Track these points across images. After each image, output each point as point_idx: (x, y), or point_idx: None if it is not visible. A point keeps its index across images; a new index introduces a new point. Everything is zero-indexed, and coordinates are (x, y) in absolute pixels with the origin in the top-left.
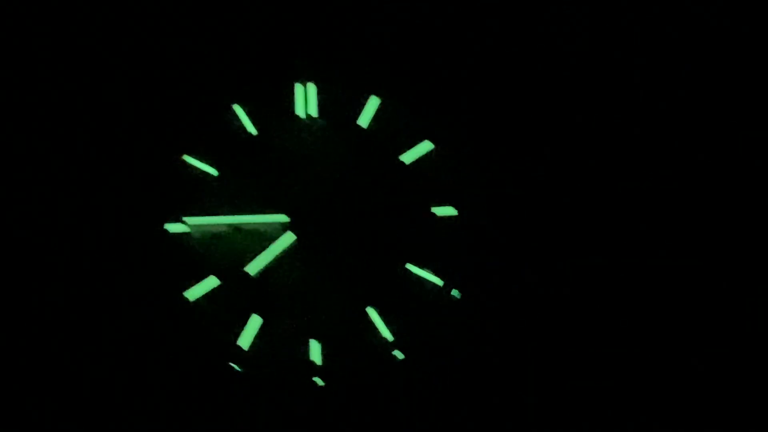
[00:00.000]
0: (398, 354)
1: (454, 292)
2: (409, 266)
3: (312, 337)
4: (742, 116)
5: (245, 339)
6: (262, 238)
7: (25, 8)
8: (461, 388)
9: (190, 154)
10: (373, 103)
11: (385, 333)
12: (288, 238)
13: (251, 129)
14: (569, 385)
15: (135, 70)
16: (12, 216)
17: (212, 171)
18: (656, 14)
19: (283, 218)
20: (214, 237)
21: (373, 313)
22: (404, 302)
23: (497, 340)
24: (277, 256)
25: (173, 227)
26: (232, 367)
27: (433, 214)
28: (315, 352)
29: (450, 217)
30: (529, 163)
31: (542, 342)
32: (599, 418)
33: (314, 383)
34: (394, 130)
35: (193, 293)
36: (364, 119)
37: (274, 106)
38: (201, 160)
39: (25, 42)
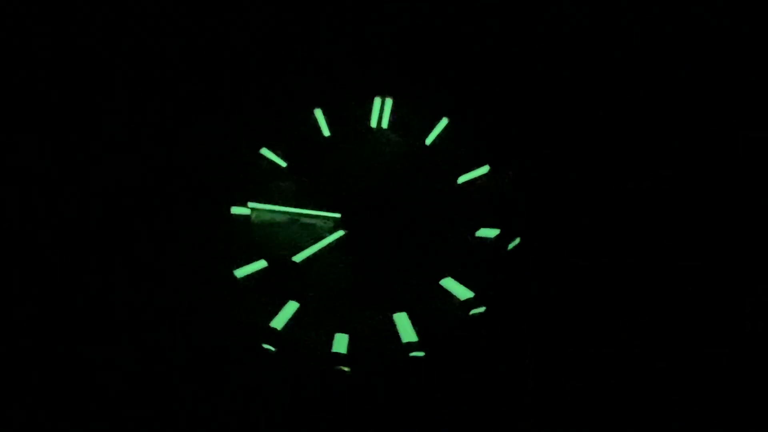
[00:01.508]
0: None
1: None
2: (445, 281)
3: (343, 331)
4: (744, 116)
5: (279, 320)
6: (314, 231)
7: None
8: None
9: (268, 147)
10: (441, 124)
11: (412, 336)
12: (337, 235)
13: (325, 131)
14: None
15: (240, 71)
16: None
17: (282, 163)
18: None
19: (335, 216)
20: (272, 224)
21: (402, 318)
22: (434, 311)
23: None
24: (323, 249)
25: (237, 210)
26: (266, 347)
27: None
28: (341, 344)
29: (491, 238)
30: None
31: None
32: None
33: (340, 370)
34: (455, 152)
35: (242, 272)
36: (430, 138)
37: (351, 115)
38: (276, 153)
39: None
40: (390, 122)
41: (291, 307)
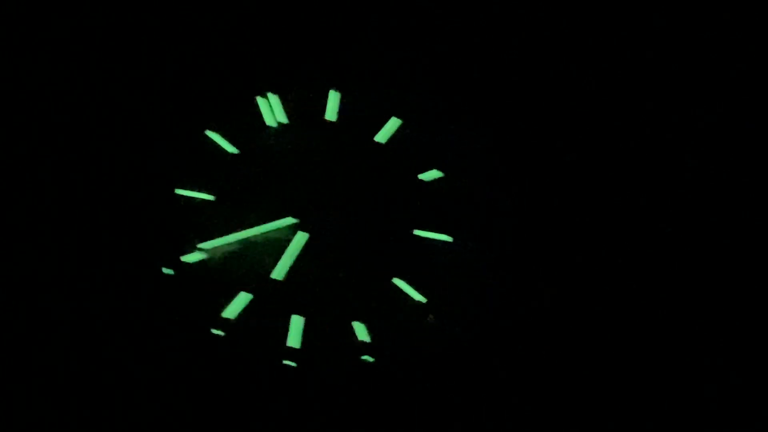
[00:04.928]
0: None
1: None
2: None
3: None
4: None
5: (293, 339)
6: (275, 244)
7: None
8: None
9: (181, 187)
10: (334, 97)
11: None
12: (302, 238)
13: (231, 149)
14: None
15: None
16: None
17: (208, 197)
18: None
19: (290, 221)
20: (228, 256)
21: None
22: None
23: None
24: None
25: (190, 258)
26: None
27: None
28: (361, 332)
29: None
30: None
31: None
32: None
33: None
34: (360, 118)
35: (231, 312)
36: (330, 113)
37: (245, 124)
38: (194, 188)
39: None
40: (286, 114)
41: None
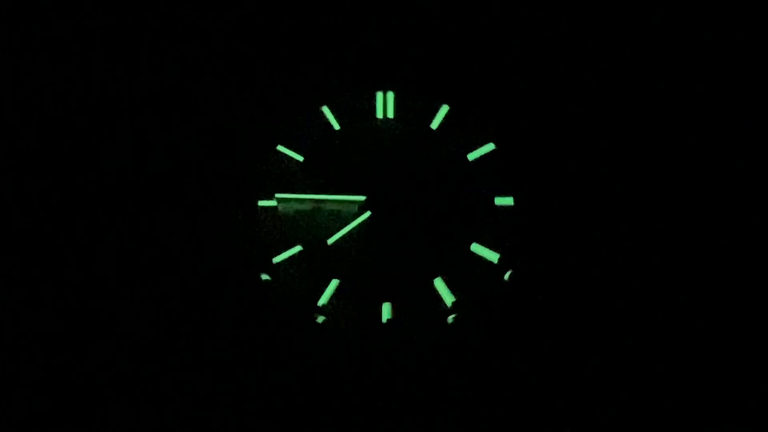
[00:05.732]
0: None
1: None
2: (474, 246)
3: (384, 301)
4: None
5: (324, 298)
6: (341, 215)
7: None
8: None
9: (283, 144)
10: (443, 110)
11: (448, 298)
12: (364, 215)
13: (335, 125)
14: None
15: (248, 73)
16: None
17: (298, 157)
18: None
19: (360, 198)
20: (298, 213)
21: (439, 283)
22: (464, 275)
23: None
24: (353, 229)
25: (264, 202)
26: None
27: (493, 204)
28: (386, 313)
29: (508, 207)
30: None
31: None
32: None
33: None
34: (459, 133)
35: (279, 258)
36: (435, 122)
37: (357, 109)
38: (291, 149)
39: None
40: (395, 113)
41: (333, 285)
